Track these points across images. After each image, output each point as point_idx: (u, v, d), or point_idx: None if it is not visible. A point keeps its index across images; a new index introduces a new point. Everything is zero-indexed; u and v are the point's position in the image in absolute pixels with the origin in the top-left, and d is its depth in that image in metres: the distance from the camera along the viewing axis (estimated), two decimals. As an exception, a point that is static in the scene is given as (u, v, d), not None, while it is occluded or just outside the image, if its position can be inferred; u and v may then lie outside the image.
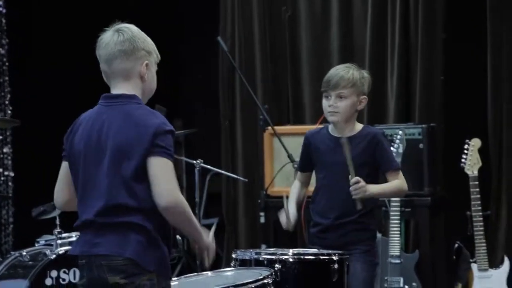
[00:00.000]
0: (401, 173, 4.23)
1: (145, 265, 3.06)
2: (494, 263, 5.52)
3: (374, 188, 4.10)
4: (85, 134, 3.17)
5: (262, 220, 6.06)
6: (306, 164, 4.36)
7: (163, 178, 3.05)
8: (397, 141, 5.44)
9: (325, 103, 4.21)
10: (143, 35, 3.22)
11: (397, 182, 4.18)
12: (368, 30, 6.28)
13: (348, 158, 4.07)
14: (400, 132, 5.48)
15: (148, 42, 3.22)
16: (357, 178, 4.04)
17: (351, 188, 4.05)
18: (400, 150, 5.40)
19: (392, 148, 5.40)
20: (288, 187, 5.82)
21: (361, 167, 4.14)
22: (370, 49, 6.27)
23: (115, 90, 3.21)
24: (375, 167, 4.18)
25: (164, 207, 3.05)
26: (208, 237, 3.26)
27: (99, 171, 3.11)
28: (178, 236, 6.09)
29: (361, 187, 4.04)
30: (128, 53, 3.16)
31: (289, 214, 4.22)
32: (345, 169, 4.11)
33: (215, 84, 6.95)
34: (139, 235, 3.07)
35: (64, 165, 3.25)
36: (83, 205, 3.16)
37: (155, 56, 3.25)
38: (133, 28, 3.22)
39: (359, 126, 4.26)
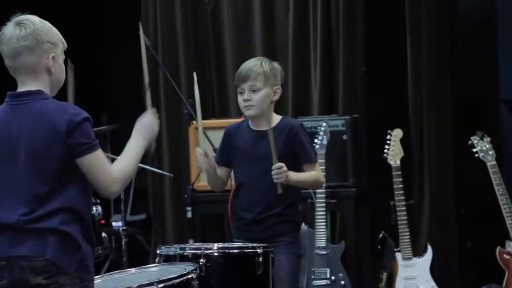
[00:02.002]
0: (318, 165, 4.27)
1: (64, 267, 3.01)
2: (418, 251, 5.61)
3: (294, 175, 4.12)
4: None
5: (189, 215, 6.04)
6: (223, 158, 4.35)
7: (97, 173, 3.03)
8: (321, 133, 5.48)
9: (239, 98, 4.23)
10: (46, 26, 3.12)
11: (314, 173, 4.21)
12: (290, 23, 6.30)
13: (273, 148, 4.08)
14: (324, 124, 5.52)
15: (52, 33, 3.12)
16: (280, 163, 4.06)
17: (273, 172, 4.06)
18: (324, 142, 5.45)
19: (316, 140, 5.45)
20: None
21: (283, 158, 4.15)
22: (293, 41, 6.29)
23: (22, 87, 3.12)
24: (295, 158, 4.20)
25: (114, 195, 3.09)
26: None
27: (14, 174, 3.04)
28: (104, 234, 6.01)
29: (284, 172, 4.05)
30: (32, 48, 3.06)
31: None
32: (265, 162, 4.13)
33: (139, 78, 6.88)
34: (58, 238, 3.01)
35: None
36: None
37: (61, 45, 3.15)
38: (35, 19, 3.11)
39: (277, 118, 4.27)
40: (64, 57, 3.18)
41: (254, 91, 4.17)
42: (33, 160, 3.03)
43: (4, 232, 3.06)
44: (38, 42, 3.07)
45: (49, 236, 3.01)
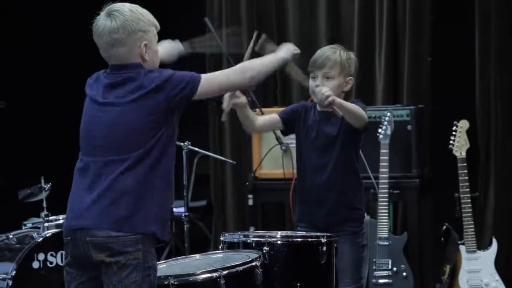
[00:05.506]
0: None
1: (134, 228, 3.03)
2: (482, 244, 5.54)
3: (337, 98, 4.01)
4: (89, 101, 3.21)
5: (251, 202, 6.05)
6: (286, 116, 4.30)
7: (222, 81, 3.24)
8: (385, 122, 5.44)
9: (311, 83, 4.19)
10: (137, 14, 3.16)
11: (358, 105, 4.12)
12: (356, 11, 6.25)
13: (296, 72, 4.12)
14: (388, 113, 5.47)
15: (143, 21, 3.16)
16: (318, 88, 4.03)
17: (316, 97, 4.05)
18: (388, 132, 5.40)
19: (380, 130, 5.42)
20: (276, 169, 5.86)
21: (343, 138, 4.11)
22: (358, 31, 6.24)
23: None
24: (354, 138, 4.16)
25: (251, 81, 3.27)
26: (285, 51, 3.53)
27: (99, 142, 3.13)
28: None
29: (320, 91, 3.99)
30: (123, 40, 3.13)
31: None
32: (330, 142, 4.09)
33: (202, 65, 6.91)
34: (130, 197, 3.04)
35: None
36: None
37: (154, 29, 3.20)
38: (125, 9, 3.15)
39: None
40: (157, 39, 3.22)
41: (327, 78, 4.15)
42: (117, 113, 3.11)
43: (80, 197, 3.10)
44: (129, 33, 3.13)
45: (121, 199, 3.03)
